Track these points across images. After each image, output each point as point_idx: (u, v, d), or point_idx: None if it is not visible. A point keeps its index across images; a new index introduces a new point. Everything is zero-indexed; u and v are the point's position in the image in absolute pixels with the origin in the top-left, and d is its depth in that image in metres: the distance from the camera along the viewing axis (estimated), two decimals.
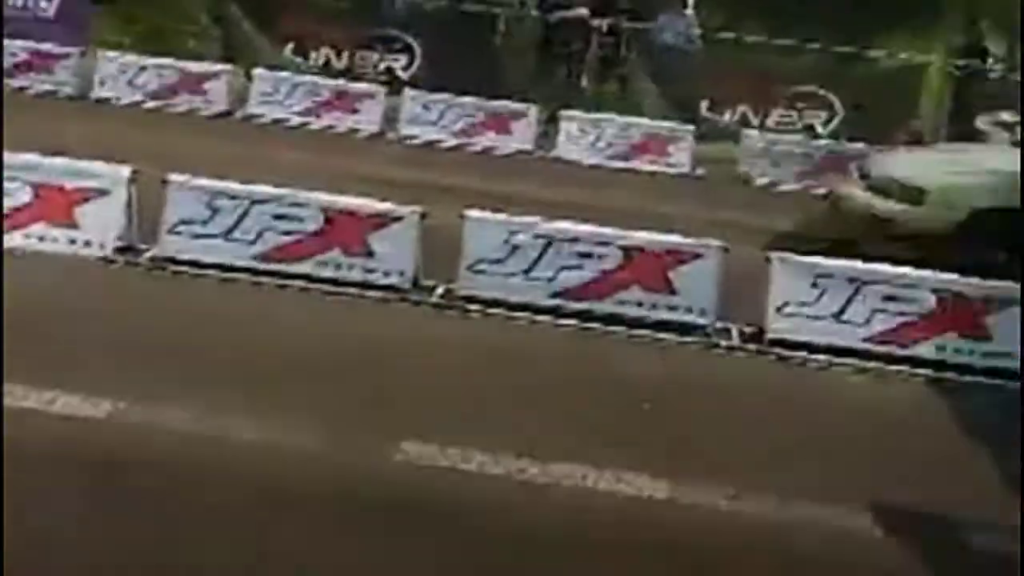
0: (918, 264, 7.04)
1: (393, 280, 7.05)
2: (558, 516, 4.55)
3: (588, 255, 7.00)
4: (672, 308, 6.96)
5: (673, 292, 6.95)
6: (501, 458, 4.89)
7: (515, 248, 7.02)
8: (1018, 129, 10.15)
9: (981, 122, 11.12)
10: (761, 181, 12.56)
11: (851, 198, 9.43)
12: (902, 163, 9.62)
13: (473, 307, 6.94)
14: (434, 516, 4.35)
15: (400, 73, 15.07)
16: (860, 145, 11.88)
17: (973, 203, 8.59)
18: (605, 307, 6.95)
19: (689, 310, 6.94)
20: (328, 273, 7.09)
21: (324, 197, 7.22)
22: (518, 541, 4.28)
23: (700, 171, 12.75)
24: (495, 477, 4.79)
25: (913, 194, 8.87)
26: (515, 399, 5.61)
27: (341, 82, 13.80)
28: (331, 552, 4.02)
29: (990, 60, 14.65)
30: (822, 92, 14.64)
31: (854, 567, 4.43)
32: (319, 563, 3.96)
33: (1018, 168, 8.75)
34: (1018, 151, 9.37)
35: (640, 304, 6.98)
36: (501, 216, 7.19)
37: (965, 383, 6.56)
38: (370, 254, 7.11)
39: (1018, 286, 6.70)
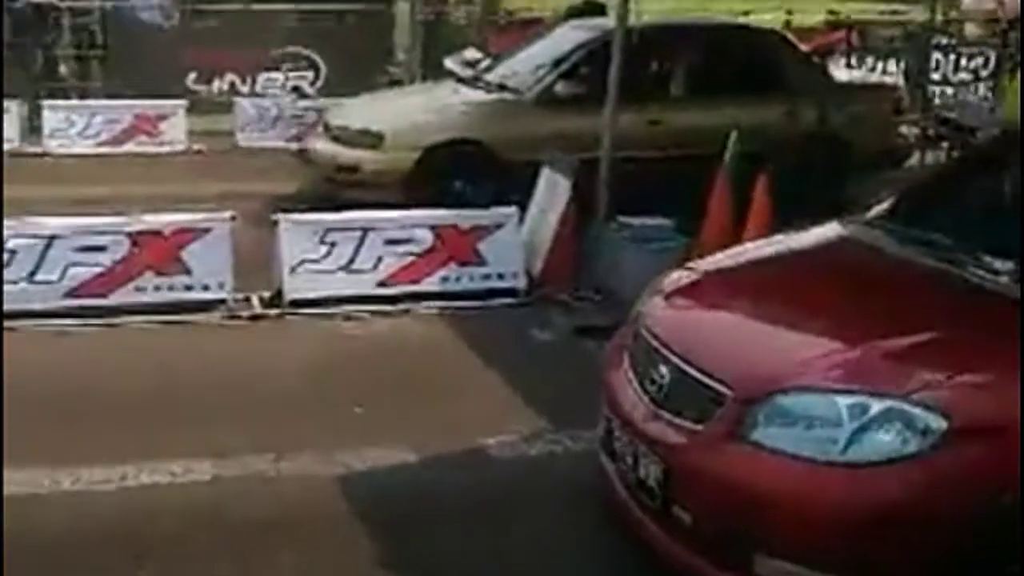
0: (387, 206, 7.54)
1: None
2: None
3: (96, 248, 6.86)
4: (188, 288, 6.99)
5: (187, 271, 6.98)
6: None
7: (13, 253, 6.72)
8: (482, 64, 11.03)
9: (450, 62, 11.94)
10: (255, 147, 12.70)
11: (317, 151, 9.86)
12: (359, 111, 10.11)
13: None
14: None
15: None
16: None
17: (427, 140, 9.20)
18: (122, 299, 6.86)
19: (206, 287, 7.01)
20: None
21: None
22: None
23: (197, 146, 12.71)
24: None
25: (371, 140, 9.39)
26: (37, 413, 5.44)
27: None
28: None
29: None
30: (305, 52, 15.04)
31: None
32: None
33: (469, 102, 9.66)
34: (467, 88, 10.21)
35: (157, 288, 6.95)
36: None
37: (472, 307, 7.13)
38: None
39: (501, 211, 7.40)
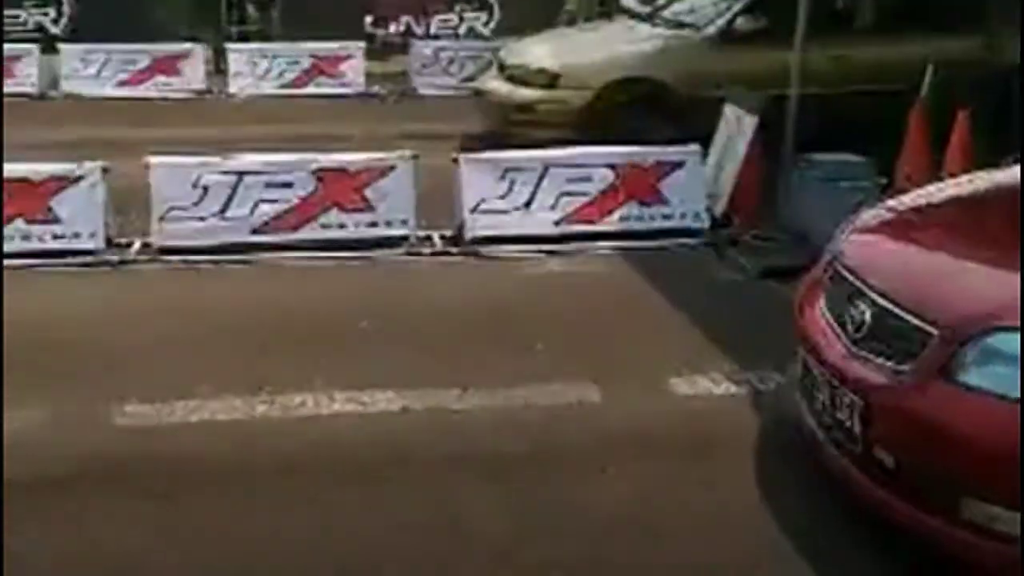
0: (564, 145, 7.46)
1: (84, 243, 6.84)
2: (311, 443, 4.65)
3: (282, 185, 7.01)
4: (372, 224, 7.08)
5: (371, 208, 7.08)
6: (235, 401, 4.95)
7: (206, 189, 6.93)
8: (658, 1, 10.82)
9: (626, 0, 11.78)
10: (431, 91, 12.78)
11: (492, 91, 9.81)
12: (532, 50, 10.02)
13: (172, 258, 6.83)
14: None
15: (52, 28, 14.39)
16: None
17: (603, 78, 9.05)
18: (308, 234, 7.00)
19: (389, 224, 7.09)
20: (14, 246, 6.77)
21: None
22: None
23: (374, 88, 12.88)
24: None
25: (546, 78, 9.28)
26: (238, 344, 5.61)
27: None
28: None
29: None
30: None
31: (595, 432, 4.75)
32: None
33: (646, 39, 9.44)
34: (644, 25, 9.97)
35: (342, 226, 7.07)
36: (189, 159, 7.07)
37: (651, 247, 7.02)
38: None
39: (683, 148, 7.24)
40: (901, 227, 4.43)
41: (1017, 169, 4.66)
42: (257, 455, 4.49)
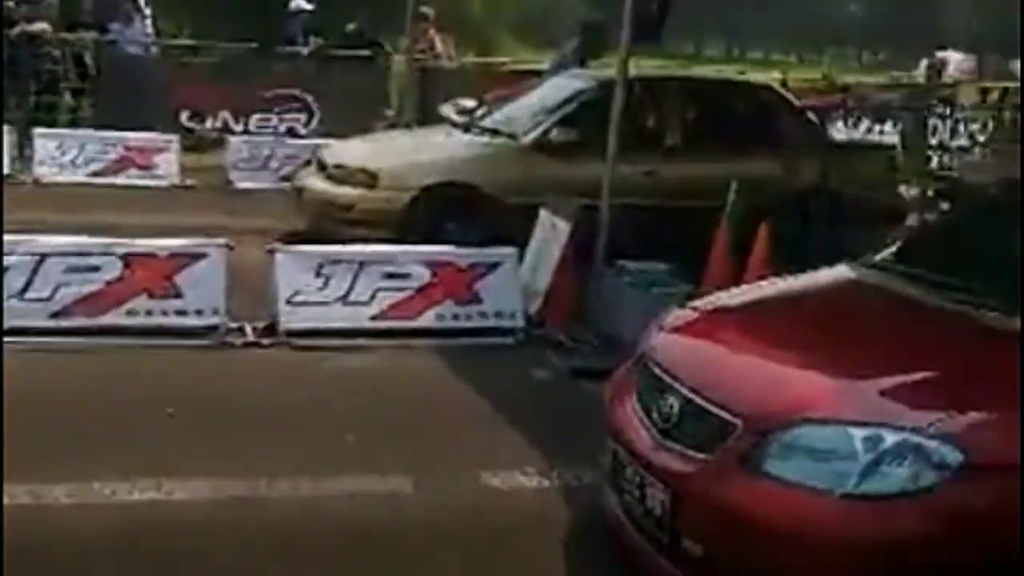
0: (382, 243, 7.52)
1: None
2: None
3: (87, 268, 6.78)
4: (181, 312, 6.92)
5: (179, 295, 6.91)
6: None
7: (5, 270, 6.64)
8: (476, 112, 11.09)
9: (445, 108, 12.01)
10: (248, 185, 12.67)
11: (310, 189, 9.85)
12: (353, 151, 10.14)
13: None
14: None
15: None
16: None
17: (422, 181, 9.22)
18: (112, 320, 6.78)
19: (200, 312, 6.94)
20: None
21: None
22: None
23: (189, 181, 12.69)
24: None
25: (366, 178, 9.39)
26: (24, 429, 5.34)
27: None
28: None
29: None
30: (300, 94, 15.08)
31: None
32: None
33: (465, 145, 9.71)
34: (462, 132, 10.23)
35: (149, 312, 6.87)
36: None
37: (467, 345, 7.07)
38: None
39: (499, 250, 7.38)
40: (707, 324, 4.60)
41: (818, 273, 4.93)
42: (51, 541, 4.28)
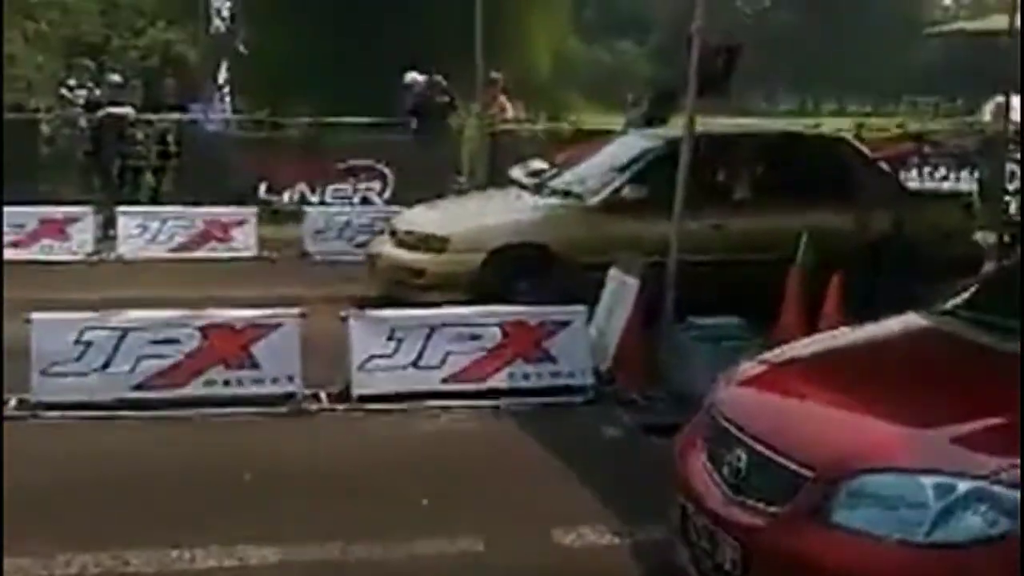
0: (452, 306, 7.60)
1: None
2: None
3: (166, 341, 6.95)
4: (258, 381, 7.04)
5: (256, 365, 7.04)
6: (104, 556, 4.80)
7: (88, 345, 6.83)
8: (546, 173, 11.18)
9: (515, 171, 12.13)
10: (325, 256, 12.87)
11: (383, 256, 9.97)
12: (424, 216, 10.29)
13: (50, 413, 6.66)
14: None
15: None
16: None
17: (491, 244, 9.30)
18: (191, 391, 6.92)
19: (275, 380, 7.05)
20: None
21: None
22: None
23: (266, 253, 12.94)
24: None
25: (437, 243, 9.50)
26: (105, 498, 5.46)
27: None
28: None
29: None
30: (373, 163, 15.35)
31: None
32: None
33: (533, 207, 9.74)
34: (531, 195, 10.31)
35: (227, 383, 7.00)
36: (70, 315, 6.99)
37: (537, 404, 7.08)
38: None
39: (569, 308, 7.40)
40: (775, 377, 4.56)
41: (888, 322, 4.88)
42: None
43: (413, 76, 16.34)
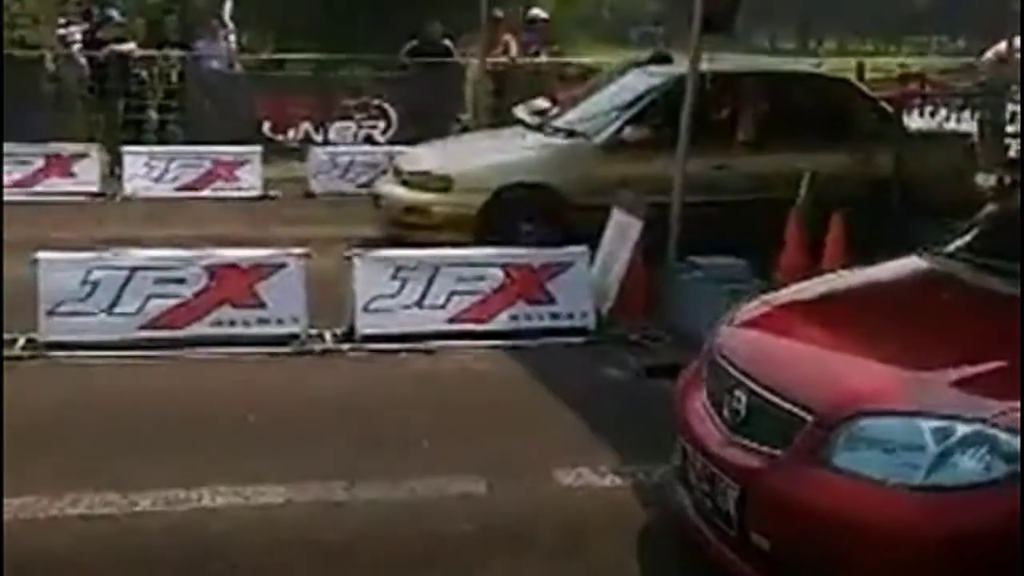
0: (456, 245, 7.61)
1: None
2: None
3: (173, 280, 6.98)
4: (263, 321, 7.09)
5: (262, 305, 7.07)
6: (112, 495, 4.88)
7: (95, 285, 6.87)
8: (551, 112, 11.12)
9: (519, 110, 12.07)
10: (329, 192, 12.85)
11: (387, 195, 9.98)
12: (427, 156, 10.27)
13: (58, 353, 6.72)
14: None
15: None
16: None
17: (496, 183, 9.28)
18: (197, 331, 6.97)
19: (280, 320, 7.09)
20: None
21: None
22: None
23: (272, 192, 12.93)
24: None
25: (440, 183, 9.49)
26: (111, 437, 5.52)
27: None
28: None
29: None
30: (376, 102, 15.29)
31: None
32: None
33: (538, 146, 9.73)
34: (535, 133, 10.28)
35: (232, 323, 7.05)
36: (77, 254, 7.02)
37: (538, 345, 7.13)
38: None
39: (571, 250, 7.43)
40: (776, 318, 4.59)
41: (889, 264, 4.90)
42: (129, 549, 4.45)
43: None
